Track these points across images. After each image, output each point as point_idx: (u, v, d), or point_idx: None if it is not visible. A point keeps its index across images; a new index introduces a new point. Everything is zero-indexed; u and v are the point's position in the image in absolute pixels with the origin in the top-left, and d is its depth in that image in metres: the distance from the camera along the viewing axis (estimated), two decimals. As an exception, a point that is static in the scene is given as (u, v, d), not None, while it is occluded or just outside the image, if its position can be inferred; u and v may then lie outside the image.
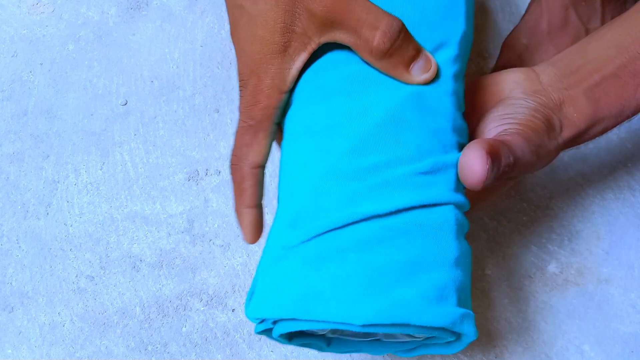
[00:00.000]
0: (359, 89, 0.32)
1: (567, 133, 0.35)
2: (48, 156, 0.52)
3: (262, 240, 0.48)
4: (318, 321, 0.29)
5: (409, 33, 0.32)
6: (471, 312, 0.30)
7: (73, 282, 0.47)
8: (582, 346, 0.44)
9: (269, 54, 0.33)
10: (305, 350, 0.44)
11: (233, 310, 0.46)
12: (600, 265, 0.46)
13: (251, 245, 0.48)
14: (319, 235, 0.30)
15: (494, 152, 0.31)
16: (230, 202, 0.49)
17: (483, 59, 0.55)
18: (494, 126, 0.35)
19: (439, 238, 0.30)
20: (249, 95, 0.33)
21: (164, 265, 0.47)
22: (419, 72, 0.32)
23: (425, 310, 0.28)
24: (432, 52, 0.33)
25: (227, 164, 0.51)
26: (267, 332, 0.32)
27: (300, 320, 0.29)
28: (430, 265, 0.29)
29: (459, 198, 0.31)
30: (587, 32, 0.50)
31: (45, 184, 0.51)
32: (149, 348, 0.45)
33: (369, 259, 0.29)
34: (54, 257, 0.48)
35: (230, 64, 0.56)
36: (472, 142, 0.31)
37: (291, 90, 0.34)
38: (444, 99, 0.32)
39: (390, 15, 0.31)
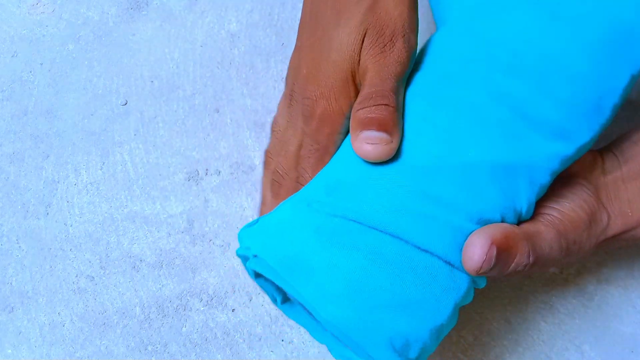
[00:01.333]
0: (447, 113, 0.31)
1: (612, 231, 0.32)
2: (48, 156, 0.52)
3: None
4: (292, 288, 0.29)
5: None
6: None
7: (73, 282, 0.47)
8: (582, 346, 0.44)
9: (339, 80, 0.32)
10: (306, 350, 0.44)
11: (233, 310, 0.46)
12: (600, 265, 0.46)
13: (251, 245, 0.48)
14: (346, 218, 0.29)
15: (505, 246, 0.28)
16: (230, 202, 0.49)
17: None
18: (540, 204, 0.32)
19: (441, 300, 0.29)
20: (317, 119, 0.33)
21: (164, 265, 0.47)
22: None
23: (383, 351, 0.28)
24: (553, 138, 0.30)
25: (227, 163, 0.51)
26: (243, 259, 0.32)
27: (280, 276, 0.29)
28: (417, 317, 0.28)
29: (479, 277, 0.30)
30: None
31: (45, 184, 0.51)
32: (149, 348, 0.45)
33: (372, 272, 0.28)
34: (54, 257, 0.48)
35: (230, 64, 0.56)
36: (489, 226, 0.29)
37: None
38: (525, 183, 0.30)
39: None
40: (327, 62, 0.32)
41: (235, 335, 0.45)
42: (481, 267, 0.28)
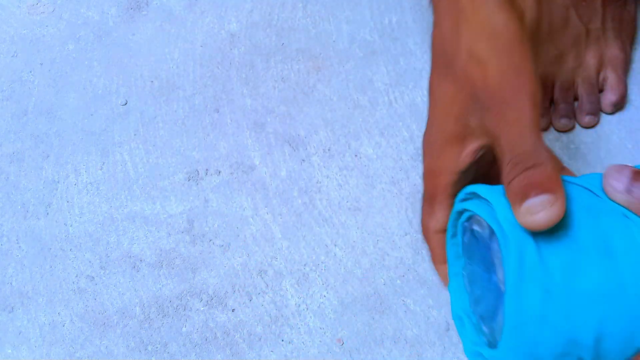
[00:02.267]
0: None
1: None
2: (48, 156, 0.52)
3: (257, 244, 0.48)
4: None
5: None
6: None
7: (73, 282, 0.47)
8: (582, 346, 0.44)
9: (441, 140, 0.33)
10: (306, 350, 0.44)
11: (233, 310, 0.46)
12: (600, 265, 0.46)
13: (251, 245, 0.48)
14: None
15: None
16: (230, 202, 0.49)
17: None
18: None
19: None
20: (428, 171, 0.34)
21: (164, 265, 0.47)
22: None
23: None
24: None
25: (227, 163, 0.51)
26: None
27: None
28: None
29: None
30: (588, 32, 0.50)
31: (45, 184, 0.51)
32: (149, 348, 0.45)
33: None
34: (54, 257, 0.48)
35: (230, 64, 0.56)
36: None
37: (466, 171, 0.33)
38: None
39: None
40: (432, 121, 0.35)
41: (235, 335, 0.45)
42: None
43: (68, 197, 0.50)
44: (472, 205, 0.30)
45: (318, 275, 0.47)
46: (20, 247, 0.48)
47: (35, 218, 0.49)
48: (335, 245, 0.48)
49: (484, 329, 0.32)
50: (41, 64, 0.56)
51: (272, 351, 0.44)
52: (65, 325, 0.46)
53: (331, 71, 0.55)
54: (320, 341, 0.44)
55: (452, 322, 0.45)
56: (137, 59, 0.56)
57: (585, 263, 0.27)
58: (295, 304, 0.46)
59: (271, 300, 0.46)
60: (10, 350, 0.45)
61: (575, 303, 0.26)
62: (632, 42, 0.54)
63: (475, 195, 0.31)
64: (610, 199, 0.28)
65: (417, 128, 0.52)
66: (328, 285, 0.46)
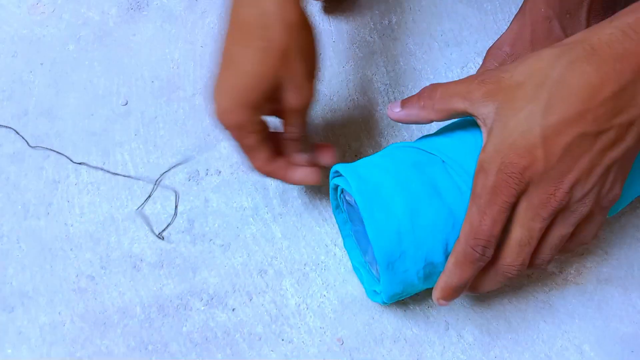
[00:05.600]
0: None
1: None
2: (48, 156, 0.52)
3: (257, 244, 0.48)
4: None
5: None
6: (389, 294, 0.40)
7: (73, 282, 0.47)
8: (582, 346, 0.44)
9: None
10: (306, 350, 0.44)
11: (233, 309, 0.46)
12: (599, 265, 0.47)
13: (251, 245, 0.48)
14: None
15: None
16: (231, 202, 0.49)
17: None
18: None
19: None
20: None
21: (164, 265, 0.47)
22: None
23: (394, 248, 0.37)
24: None
25: (227, 163, 0.51)
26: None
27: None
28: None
29: None
30: None
31: (45, 184, 0.51)
32: (150, 347, 0.45)
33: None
34: (54, 257, 0.48)
35: (230, 64, 0.56)
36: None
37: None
38: None
39: None
40: None
41: (235, 335, 0.45)
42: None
43: (68, 197, 0.50)
44: (339, 181, 0.41)
45: (318, 275, 0.47)
46: (20, 247, 0.48)
47: (35, 218, 0.49)
48: (335, 245, 0.48)
49: (373, 271, 0.43)
50: (41, 64, 0.56)
51: (272, 350, 0.44)
52: (66, 325, 0.46)
53: (331, 71, 0.55)
54: (320, 341, 0.44)
55: (452, 321, 0.45)
56: (138, 59, 0.56)
57: (422, 205, 0.37)
58: (295, 304, 0.46)
59: (271, 299, 0.46)
60: (10, 350, 0.45)
61: (422, 235, 0.37)
62: None
63: (337, 173, 0.41)
64: (391, 119, 0.40)
65: (417, 128, 0.52)
66: (328, 285, 0.46)
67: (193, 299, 0.46)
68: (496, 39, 0.54)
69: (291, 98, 0.40)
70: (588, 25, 0.51)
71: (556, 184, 0.32)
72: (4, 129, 0.53)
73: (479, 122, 0.36)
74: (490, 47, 0.53)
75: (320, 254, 0.47)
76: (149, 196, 0.49)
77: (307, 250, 0.48)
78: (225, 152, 0.51)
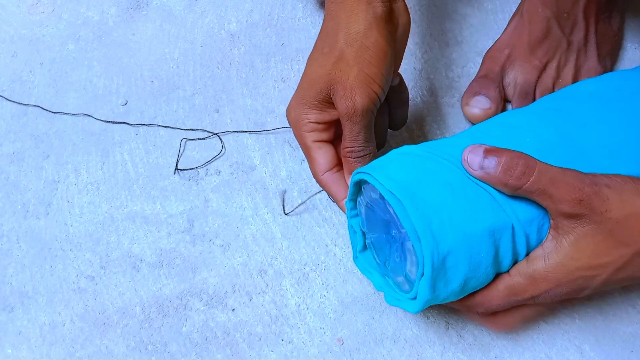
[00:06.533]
0: None
1: None
2: (48, 156, 0.52)
3: (257, 244, 0.48)
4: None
5: None
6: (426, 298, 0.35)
7: (73, 282, 0.47)
8: (582, 346, 0.44)
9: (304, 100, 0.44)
10: (306, 350, 0.44)
11: (233, 309, 0.46)
12: (600, 265, 0.46)
13: (251, 245, 0.48)
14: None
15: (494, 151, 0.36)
16: (230, 202, 0.49)
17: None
18: None
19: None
20: (292, 124, 0.44)
21: (164, 265, 0.47)
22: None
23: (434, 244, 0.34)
24: None
25: (227, 163, 0.51)
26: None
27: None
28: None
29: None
30: (569, 43, 0.51)
31: (45, 184, 0.51)
32: (149, 348, 0.45)
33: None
34: (54, 257, 0.48)
35: (230, 64, 0.56)
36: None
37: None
38: None
39: None
40: None
41: (235, 335, 0.45)
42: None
43: (68, 197, 0.50)
44: (366, 177, 0.37)
45: (318, 275, 0.47)
46: (20, 247, 0.48)
47: (35, 218, 0.49)
48: (335, 245, 0.48)
49: (398, 280, 0.39)
50: (41, 64, 0.56)
51: (272, 351, 0.44)
52: (66, 325, 0.46)
53: (331, 71, 0.55)
54: (320, 341, 0.44)
55: (452, 321, 0.45)
56: (137, 58, 0.56)
57: (457, 209, 0.35)
58: (295, 304, 0.46)
59: (271, 300, 0.46)
60: (10, 350, 0.45)
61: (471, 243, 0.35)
62: (613, 56, 0.54)
63: (362, 174, 0.38)
64: (468, 173, 0.36)
65: (417, 128, 0.52)
66: (328, 285, 0.46)
67: (193, 299, 0.46)
68: (496, 38, 0.54)
69: (339, 102, 0.39)
70: (587, 24, 0.51)
71: None
72: (4, 129, 0.53)
73: (552, 221, 0.35)
74: (489, 50, 0.53)
75: (320, 254, 0.47)
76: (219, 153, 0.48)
77: (307, 250, 0.48)
78: (225, 152, 0.51)
